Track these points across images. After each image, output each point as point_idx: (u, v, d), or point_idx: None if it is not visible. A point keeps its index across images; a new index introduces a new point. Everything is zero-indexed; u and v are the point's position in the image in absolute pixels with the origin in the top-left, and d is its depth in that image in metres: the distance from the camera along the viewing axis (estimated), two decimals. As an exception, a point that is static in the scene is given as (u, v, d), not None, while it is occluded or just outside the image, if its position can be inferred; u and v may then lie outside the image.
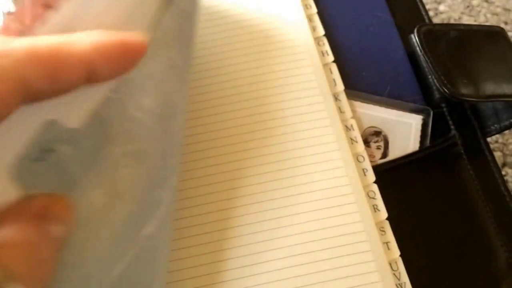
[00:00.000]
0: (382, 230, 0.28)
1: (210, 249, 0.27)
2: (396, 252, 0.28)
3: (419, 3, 0.36)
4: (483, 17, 0.58)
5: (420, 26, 0.32)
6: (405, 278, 0.27)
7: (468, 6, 0.59)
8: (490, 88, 0.30)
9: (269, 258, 0.27)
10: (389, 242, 0.28)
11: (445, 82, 0.30)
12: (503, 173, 0.51)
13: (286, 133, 0.30)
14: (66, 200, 0.17)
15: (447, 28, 0.33)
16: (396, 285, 0.27)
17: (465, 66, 0.31)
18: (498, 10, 0.58)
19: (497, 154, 0.52)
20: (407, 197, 0.30)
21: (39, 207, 0.16)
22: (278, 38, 0.33)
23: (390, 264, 0.27)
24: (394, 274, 0.27)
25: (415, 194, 0.30)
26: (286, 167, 0.29)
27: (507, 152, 0.54)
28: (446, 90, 0.30)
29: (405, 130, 0.32)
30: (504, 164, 0.51)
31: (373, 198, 0.29)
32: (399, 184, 0.30)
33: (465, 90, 0.30)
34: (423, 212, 0.30)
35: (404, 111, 0.32)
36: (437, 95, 0.32)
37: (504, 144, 0.54)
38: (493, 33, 0.33)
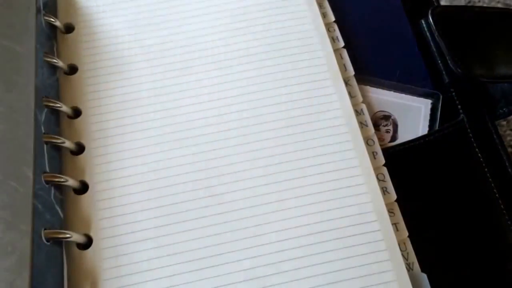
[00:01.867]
0: (391, 212, 0.29)
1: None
2: (404, 233, 0.28)
3: (428, -11, 0.36)
4: (484, 12, 0.59)
5: (434, 7, 0.32)
6: (413, 258, 0.28)
7: (469, 1, 0.60)
8: (504, 70, 0.31)
9: (274, 239, 0.27)
10: (397, 223, 0.28)
11: (459, 63, 0.30)
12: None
13: (296, 116, 0.31)
14: None
15: (462, 10, 0.33)
16: (404, 264, 0.27)
17: (479, 48, 0.31)
18: (499, 5, 0.59)
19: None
20: (416, 179, 0.30)
21: None
22: (288, 24, 0.34)
23: (399, 245, 0.28)
24: (402, 254, 0.28)
25: (423, 177, 0.30)
26: (297, 149, 0.30)
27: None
28: (459, 71, 0.30)
29: (414, 114, 0.32)
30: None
31: (383, 180, 0.29)
32: (408, 167, 0.31)
33: (478, 71, 0.30)
34: (431, 194, 0.30)
35: (413, 95, 0.33)
36: (446, 79, 0.33)
37: (502, 136, 0.55)
38: (509, 15, 0.33)
